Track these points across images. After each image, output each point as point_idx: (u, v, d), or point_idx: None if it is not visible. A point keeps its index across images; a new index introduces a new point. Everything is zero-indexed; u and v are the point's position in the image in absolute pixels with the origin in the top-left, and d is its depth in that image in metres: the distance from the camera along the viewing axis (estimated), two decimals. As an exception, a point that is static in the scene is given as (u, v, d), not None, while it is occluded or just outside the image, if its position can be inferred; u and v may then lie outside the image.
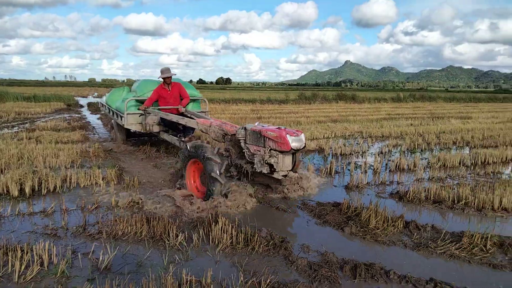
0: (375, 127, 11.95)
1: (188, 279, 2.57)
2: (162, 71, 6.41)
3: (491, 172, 6.31)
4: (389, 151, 8.15)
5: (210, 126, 4.93)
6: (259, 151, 4.16)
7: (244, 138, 4.35)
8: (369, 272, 2.80)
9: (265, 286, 2.57)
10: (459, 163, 6.81)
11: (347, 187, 5.27)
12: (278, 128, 4.08)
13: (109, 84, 60.12)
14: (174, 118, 5.88)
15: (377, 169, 6.30)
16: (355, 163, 6.75)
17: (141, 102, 6.75)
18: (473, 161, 6.98)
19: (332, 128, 11.26)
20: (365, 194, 4.96)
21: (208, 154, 4.15)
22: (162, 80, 6.46)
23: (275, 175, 4.13)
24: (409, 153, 8.08)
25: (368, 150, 8.20)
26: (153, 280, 2.55)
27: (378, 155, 7.58)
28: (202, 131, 5.20)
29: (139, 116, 6.64)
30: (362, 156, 7.60)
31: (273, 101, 24.92)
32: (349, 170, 6.30)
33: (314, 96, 28.33)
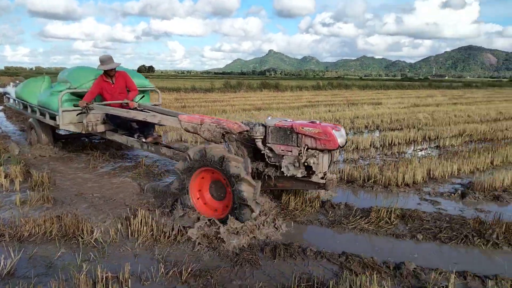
0: (296, 114, 12.44)
1: (104, 276, 2.44)
2: (102, 61, 5.24)
3: (397, 152, 6.97)
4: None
5: (201, 124, 4.01)
6: (290, 151, 3.49)
7: (262, 137, 3.62)
8: (288, 251, 2.93)
9: (187, 275, 2.56)
10: (370, 145, 7.40)
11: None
12: (312, 122, 3.48)
13: (14, 73, 53.82)
14: (139, 115, 4.73)
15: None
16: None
17: (79, 96, 5.51)
18: (382, 143, 7.64)
19: (256, 116, 11.46)
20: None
21: (236, 171, 3.17)
22: (103, 71, 5.32)
23: (314, 179, 3.53)
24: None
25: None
26: (63, 281, 2.39)
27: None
28: (187, 130, 4.21)
29: (78, 114, 5.37)
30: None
31: (198, 90, 24.59)
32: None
33: (239, 85, 28.57)
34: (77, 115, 5.40)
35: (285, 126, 3.50)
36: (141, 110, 5.12)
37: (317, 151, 3.42)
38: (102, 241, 3.06)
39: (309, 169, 3.46)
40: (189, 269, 2.60)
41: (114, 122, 5.34)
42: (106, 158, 5.91)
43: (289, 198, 3.99)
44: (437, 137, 8.44)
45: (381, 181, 4.86)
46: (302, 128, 3.41)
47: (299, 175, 3.48)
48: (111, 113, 5.11)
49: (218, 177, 3.41)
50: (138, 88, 5.74)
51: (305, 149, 3.42)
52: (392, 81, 61.58)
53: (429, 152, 7.04)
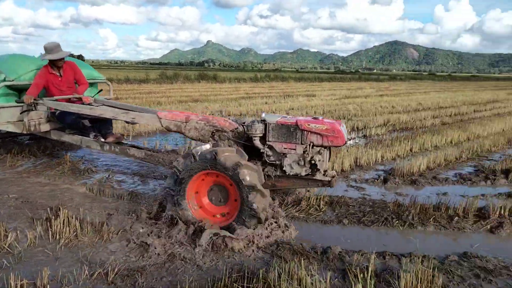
0: (234, 105, 12.47)
1: (18, 284, 2.25)
2: (48, 49, 4.60)
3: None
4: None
5: (186, 122, 3.78)
6: (294, 149, 3.39)
7: (261, 135, 3.47)
8: (223, 242, 2.93)
9: (113, 275, 2.45)
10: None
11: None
12: (315, 118, 3.42)
13: None
14: (108, 112, 4.25)
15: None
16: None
17: (18, 90, 4.84)
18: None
19: (193, 107, 11.29)
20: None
21: (252, 181, 2.95)
22: (48, 61, 4.67)
23: (318, 176, 3.43)
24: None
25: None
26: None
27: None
28: (168, 129, 3.92)
29: (23, 112, 4.57)
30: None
31: (132, 81, 23.53)
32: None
33: (176, 76, 27.86)
34: (21, 113, 4.58)
35: (289, 123, 3.40)
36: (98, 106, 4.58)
37: (322, 148, 3.37)
38: (17, 245, 2.81)
39: (314, 167, 3.39)
40: (116, 269, 2.50)
41: (63, 121, 4.69)
42: (25, 155, 5.43)
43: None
44: (365, 127, 8.97)
45: (313, 170, 5.05)
46: (308, 125, 3.33)
47: (303, 173, 3.40)
48: (70, 110, 4.40)
49: (223, 181, 3.16)
50: (88, 80, 5.20)
51: (311, 146, 3.35)
52: (326, 73, 64.21)
53: (356, 141, 7.47)
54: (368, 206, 3.86)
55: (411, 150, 6.56)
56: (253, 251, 2.85)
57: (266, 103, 13.87)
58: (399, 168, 5.12)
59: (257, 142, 3.48)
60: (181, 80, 26.21)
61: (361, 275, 2.46)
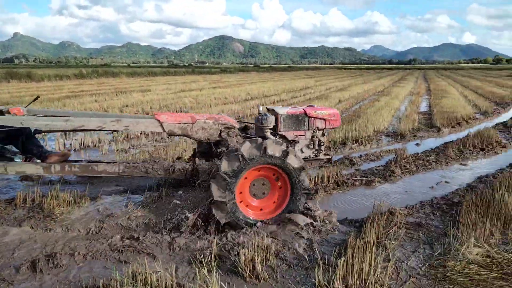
0: (57, 106, 11.04)
1: None
2: None
3: (166, 137, 7.24)
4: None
5: (193, 123, 3.64)
6: (303, 135, 3.87)
7: (272, 126, 3.67)
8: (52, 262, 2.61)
9: None
10: (141, 133, 7.39)
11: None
12: (311, 106, 4.01)
13: None
14: (91, 123, 3.52)
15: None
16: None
17: None
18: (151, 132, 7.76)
19: None
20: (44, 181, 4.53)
21: (300, 164, 3.19)
22: None
23: (321, 156, 3.98)
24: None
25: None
26: None
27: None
28: (172, 134, 3.67)
29: None
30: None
31: None
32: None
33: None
34: None
35: (298, 113, 3.82)
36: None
37: (325, 131, 3.94)
38: None
39: (319, 148, 3.92)
40: None
41: None
42: None
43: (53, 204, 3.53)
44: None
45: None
46: (316, 112, 3.87)
47: (312, 155, 3.86)
48: (34, 127, 3.52)
49: (264, 174, 3.24)
50: None
51: (317, 130, 3.87)
52: (160, 67, 63.13)
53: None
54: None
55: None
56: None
57: (96, 101, 12.77)
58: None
59: (268, 134, 3.65)
60: (-20, 80, 21.59)
61: (205, 259, 2.58)
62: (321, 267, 2.48)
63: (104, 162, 3.84)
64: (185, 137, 3.99)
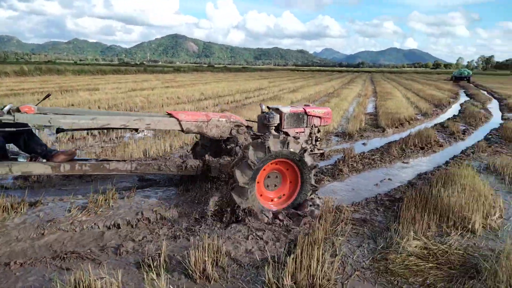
0: (-7, 105, 10.23)
1: None
2: None
3: (115, 137, 6.98)
4: None
5: (208, 121, 3.89)
6: (303, 131, 4.20)
7: (277, 124, 4.02)
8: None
9: None
10: (87, 134, 7.06)
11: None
12: (306, 105, 4.34)
13: None
14: (115, 121, 3.58)
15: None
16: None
17: None
18: (99, 130, 7.44)
19: None
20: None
21: (313, 162, 3.53)
22: None
23: (316, 151, 4.29)
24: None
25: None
26: None
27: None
28: (188, 132, 3.84)
29: None
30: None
31: None
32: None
33: None
34: None
35: (299, 111, 4.16)
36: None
37: (319, 127, 4.29)
38: None
39: (315, 143, 4.27)
40: None
41: None
42: None
43: None
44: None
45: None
46: (313, 110, 4.24)
47: (309, 150, 3.72)
48: (61, 125, 3.41)
49: (279, 168, 3.50)
50: None
51: (314, 127, 4.24)
52: (110, 66, 60.61)
53: (145, 133, 7.45)
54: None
55: (196, 137, 7.03)
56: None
57: (38, 99, 11.98)
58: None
59: (273, 131, 3.97)
60: None
61: (154, 263, 2.52)
62: (271, 265, 2.52)
63: (115, 160, 3.94)
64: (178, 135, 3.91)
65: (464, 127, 9.33)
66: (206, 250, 2.59)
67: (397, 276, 2.54)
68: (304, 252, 2.59)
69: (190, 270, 2.47)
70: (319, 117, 4.33)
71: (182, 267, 2.54)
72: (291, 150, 3.35)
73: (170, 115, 3.90)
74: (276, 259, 2.66)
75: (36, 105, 3.56)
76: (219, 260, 2.63)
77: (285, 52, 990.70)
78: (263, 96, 16.62)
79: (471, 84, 34.59)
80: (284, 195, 3.61)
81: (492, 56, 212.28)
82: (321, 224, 3.12)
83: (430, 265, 2.65)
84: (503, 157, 5.97)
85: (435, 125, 9.63)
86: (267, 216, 3.31)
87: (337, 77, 46.20)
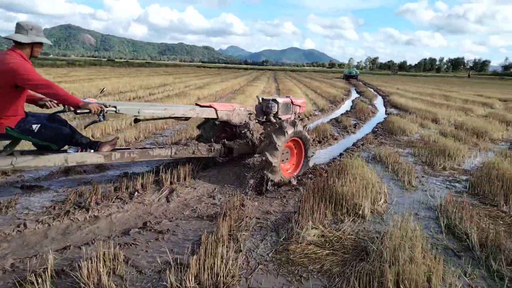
0: None
1: None
2: (36, 28, 3.12)
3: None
4: None
5: (233, 110, 4.69)
6: (290, 117, 5.15)
7: (275, 111, 4.94)
8: None
9: None
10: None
11: None
12: (287, 97, 5.34)
13: None
14: (179, 111, 4.19)
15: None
16: None
17: None
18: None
19: None
20: None
21: (309, 137, 4.80)
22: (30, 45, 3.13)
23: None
24: None
25: None
26: None
27: None
28: (221, 120, 4.63)
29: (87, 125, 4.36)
30: None
31: None
32: None
33: None
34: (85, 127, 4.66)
35: (288, 102, 5.17)
36: None
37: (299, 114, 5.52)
38: None
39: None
40: None
41: (51, 136, 3.36)
42: None
43: None
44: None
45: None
46: (296, 101, 5.32)
47: None
48: (147, 113, 3.89)
49: (289, 145, 4.57)
50: None
51: (296, 114, 5.37)
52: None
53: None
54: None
55: (92, 136, 6.50)
56: None
57: None
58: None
59: (271, 117, 4.95)
60: None
61: (40, 279, 2.23)
62: (173, 268, 2.41)
63: (157, 147, 4.34)
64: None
65: (355, 122, 10.26)
66: (101, 259, 2.38)
67: (298, 265, 2.65)
68: (208, 251, 2.55)
69: (83, 283, 2.23)
70: (299, 106, 5.41)
71: (73, 281, 2.29)
72: (299, 129, 4.48)
73: (209, 106, 4.50)
74: (178, 261, 2.56)
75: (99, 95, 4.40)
76: (117, 268, 2.44)
77: (191, 48, 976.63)
78: (169, 92, 16.11)
79: (360, 82, 38.33)
80: (293, 165, 4.79)
81: (377, 58, 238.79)
82: (225, 221, 3.10)
83: (327, 251, 2.83)
84: (387, 148, 6.71)
85: (331, 120, 10.40)
86: (293, 183, 4.40)
87: (243, 75, 47.10)
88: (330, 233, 3.10)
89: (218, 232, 2.90)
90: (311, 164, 5.12)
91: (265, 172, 4.21)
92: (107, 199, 3.64)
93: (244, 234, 3.04)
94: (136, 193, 3.86)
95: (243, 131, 4.90)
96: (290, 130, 4.31)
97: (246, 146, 4.86)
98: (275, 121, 4.96)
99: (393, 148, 6.81)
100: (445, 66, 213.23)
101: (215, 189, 4.22)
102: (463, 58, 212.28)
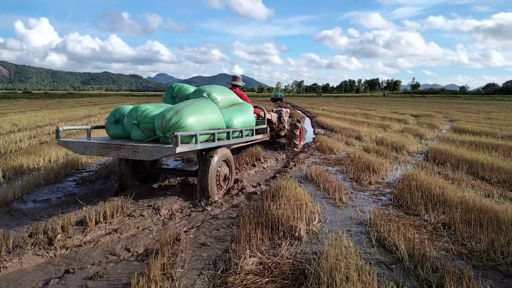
0: None
1: None
2: (239, 78, 7.59)
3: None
4: None
5: (274, 115, 8.72)
6: (286, 121, 9.11)
7: (283, 115, 9.08)
8: None
9: None
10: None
11: None
12: (281, 107, 10.40)
13: None
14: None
15: None
16: None
17: None
18: None
19: None
20: None
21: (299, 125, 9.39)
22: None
23: (282, 133, 9.13)
24: None
25: None
26: None
27: None
28: (269, 121, 8.09)
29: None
30: None
31: None
32: None
33: None
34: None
35: (283, 112, 9.11)
36: None
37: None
38: None
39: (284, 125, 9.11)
40: None
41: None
42: None
43: None
44: None
45: None
46: (287, 111, 9.52)
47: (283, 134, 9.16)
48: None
49: (299, 130, 9.34)
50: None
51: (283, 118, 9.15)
52: None
53: None
54: None
55: (4, 177, 5.83)
56: None
57: None
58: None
59: (276, 120, 8.77)
60: None
61: None
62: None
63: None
64: None
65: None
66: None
67: (237, 298, 2.55)
68: (139, 296, 2.34)
69: None
70: (287, 112, 9.49)
71: None
72: (300, 123, 9.23)
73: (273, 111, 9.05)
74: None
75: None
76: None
77: (116, 77, 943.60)
78: (92, 123, 15.20)
79: (288, 105, 39.94)
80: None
81: (302, 81, 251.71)
82: (157, 259, 2.91)
83: (266, 279, 2.76)
84: (317, 167, 6.95)
85: (263, 142, 10.57)
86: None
87: (173, 102, 46.32)
88: (268, 259, 3.05)
89: (150, 273, 2.70)
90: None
91: (295, 149, 9.05)
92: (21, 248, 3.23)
93: (179, 271, 2.86)
94: (59, 235, 3.48)
95: (277, 128, 8.85)
96: (300, 124, 9.24)
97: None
98: (280, 123, 8.95)
99: (323, 167, 7.08)
100: (363, 87, 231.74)
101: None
102: (377, 79, 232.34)
